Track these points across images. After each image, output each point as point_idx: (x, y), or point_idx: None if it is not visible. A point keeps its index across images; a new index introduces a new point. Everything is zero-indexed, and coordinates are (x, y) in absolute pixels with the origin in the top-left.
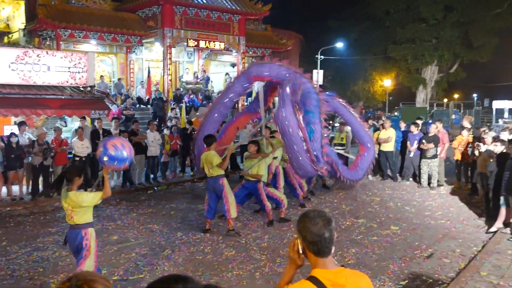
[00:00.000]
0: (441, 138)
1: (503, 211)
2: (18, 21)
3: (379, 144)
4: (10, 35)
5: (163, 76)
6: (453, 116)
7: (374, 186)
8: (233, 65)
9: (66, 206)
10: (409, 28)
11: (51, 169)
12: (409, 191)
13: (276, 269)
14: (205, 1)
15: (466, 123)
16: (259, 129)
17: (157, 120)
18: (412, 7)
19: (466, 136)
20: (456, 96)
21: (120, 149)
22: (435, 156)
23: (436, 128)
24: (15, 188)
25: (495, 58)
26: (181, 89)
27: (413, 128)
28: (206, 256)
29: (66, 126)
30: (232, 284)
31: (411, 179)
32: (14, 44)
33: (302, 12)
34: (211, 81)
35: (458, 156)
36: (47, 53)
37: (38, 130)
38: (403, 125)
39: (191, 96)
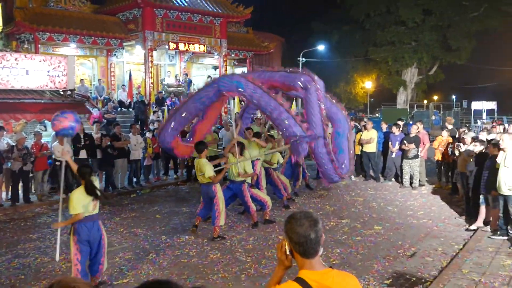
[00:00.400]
0: (421, 139)
1: (482, 209)
2: None
3: (361, 145)
4: None
5: (145, 79)
6: (433, 117)
7: (357, 187)
8: (215, 67)
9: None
10: (389, 31)
11: (31, 174)
12: (391, 191)
13: (262, 271)
14: (186, 4)
15: (448, 125)
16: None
17: (139, 124)
18: (392, 11)
19: (446, 136)
20: (435, 97)
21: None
22: (416, 157)
23: (417, 129)
24: None
25: (472, 60)
26: (163, 92)
27: (394, 129)
28: (191, 259)
29: (46, 130)
30: (217, 286)
31: (393, 179)
32: None
33: (285, 15)
34: (193, 84)
35: (438, 156)
36: (25, 57)
37: (17, 135)
38: (384, 126)
39: (173, 99)
